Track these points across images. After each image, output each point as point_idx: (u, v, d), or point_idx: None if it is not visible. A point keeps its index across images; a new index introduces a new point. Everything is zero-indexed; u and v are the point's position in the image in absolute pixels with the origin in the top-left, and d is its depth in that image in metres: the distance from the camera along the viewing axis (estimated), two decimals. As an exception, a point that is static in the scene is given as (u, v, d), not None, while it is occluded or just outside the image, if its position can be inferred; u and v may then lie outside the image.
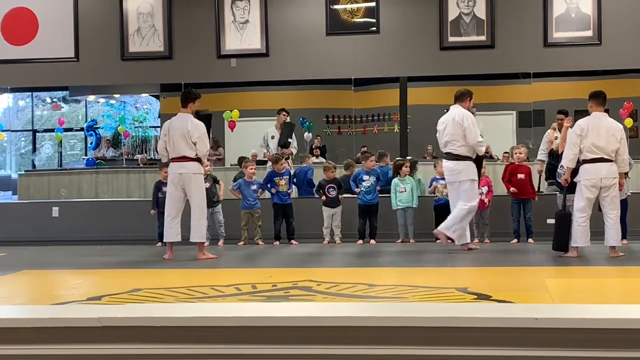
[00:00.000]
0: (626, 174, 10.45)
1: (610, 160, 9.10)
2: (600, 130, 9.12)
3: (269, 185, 11.56)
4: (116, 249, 10.99)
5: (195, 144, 9.52)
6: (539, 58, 12.18)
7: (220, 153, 14.62)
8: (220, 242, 11.27)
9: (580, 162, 9.21)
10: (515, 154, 11.35)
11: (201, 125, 9.67)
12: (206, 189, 10.16)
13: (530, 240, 10.88)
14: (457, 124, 9.88)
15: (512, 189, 11.00)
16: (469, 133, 9.85)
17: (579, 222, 9.15)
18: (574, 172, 9.32)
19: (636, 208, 10.79)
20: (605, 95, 9.38)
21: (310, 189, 12.02)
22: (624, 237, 10.22)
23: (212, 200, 11.05)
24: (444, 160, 10.13)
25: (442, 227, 9.91)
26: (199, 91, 10.06)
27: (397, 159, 12.01)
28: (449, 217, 9.91)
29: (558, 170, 10.37)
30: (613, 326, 3.17)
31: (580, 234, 9.14)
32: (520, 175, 11.07)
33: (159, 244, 11.16)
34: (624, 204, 10.40)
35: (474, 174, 9.94)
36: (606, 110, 9.40)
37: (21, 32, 13.02)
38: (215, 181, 11.51)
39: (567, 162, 9.36)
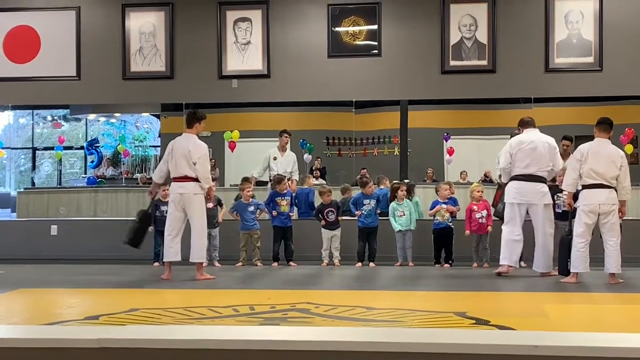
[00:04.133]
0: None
1: (610, 187, 9.10)
2: (600, 156, 9.14)
3: (270, 206, 11.56)
4: (114, 268, 10.95)
5: (195, 164, 9.52)
6: (540, 83, 12.21)
7: (216, 173, 14.59)
8: (217, 263, 11.26)
9: (579, 188, 9.24)
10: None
11: (203, 147, 9.69)
12: (208, 209, 10.16)
13: (522, 263, 10.76)
14: (551, 149, 10.01)
15: None
16: (558, 159, 10.03)
17: (577, 248, 9.14)
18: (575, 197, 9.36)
19: (636, 235, 10.77)
20: (611, 122, 9.40)
21: (311, 211, 12.01)
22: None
23: (212, 222, 11.05)
24: (520, 182, 9.92)
25: (544, 268, 9.90)
26: (203, 112, 10.08)
27: (394, 182, 11.99)
28: (544, 255, 9.89)
29: (556, 201, 10.37)
30: (613, 355, 3.16)
31: (579, 259, 9.13)
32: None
33: (156, 263, 11.17)
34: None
35: None
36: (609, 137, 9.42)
37: (23, 50, 13.06)
38: (218, 203, 11.49)
39: (566, 186, 9.42)
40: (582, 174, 9.16)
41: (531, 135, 10.07)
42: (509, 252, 9.96)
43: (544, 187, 9.95)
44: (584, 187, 9.18)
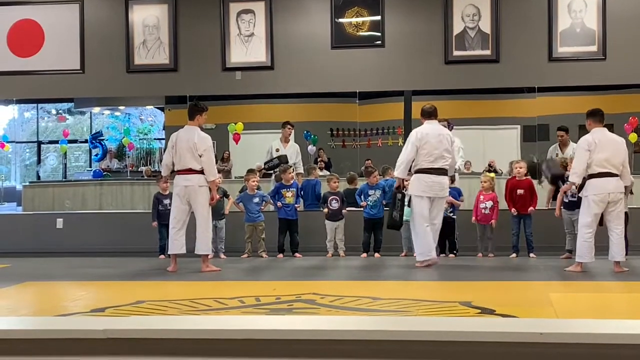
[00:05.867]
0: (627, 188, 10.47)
1: (617, 175, 9.10)
2: (609, 145, 9.15)
3: (275, 198, 11.58)
4: (120, 261, 10.97)
5: (201, 157, 9.53)
6: (544, 72, 12.19)
7: (229, 165, 14.61)
8: (222, 255, 11.29)
9: (586, 177, 9.20)
10: (515, 168, 11.36)
11: (207, 139, 9.69)
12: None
13: (532, 255, 10.86)
14: (448, 141, 9.97)
15: (513, 210, 10.99)
16: (456, 154, 10.13)
17: (585, 238, 9.12)
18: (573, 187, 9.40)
19: (638, 223, 10.76)
20: (603, 112, 9.41)
21: (317, 202, 12.03)
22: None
23: (219, 213, 11.07)
24: (430, 175, 9.87)
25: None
26: (204, 104, 10.08)
27: None
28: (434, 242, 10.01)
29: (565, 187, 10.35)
30: (618, 341, 3.17)
31: (586, 249, 9.12)
32: (520, 191, 11.06)
33: (162, 256, 11.19)
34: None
35: None
36: (607, 126, 9.45)
37: (27, 44, 13.07)
38: (224, 195, 11.48)
39: (575, 177, 9.29)
40: (590, 163, 9.14)
41: (434, 127, 10.03)
42: (427, 245, 9.95)
43: (447, 180, 10.08)
44: (592, 176, 9.14)
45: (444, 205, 10.18)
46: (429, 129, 9.98)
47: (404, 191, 10.21)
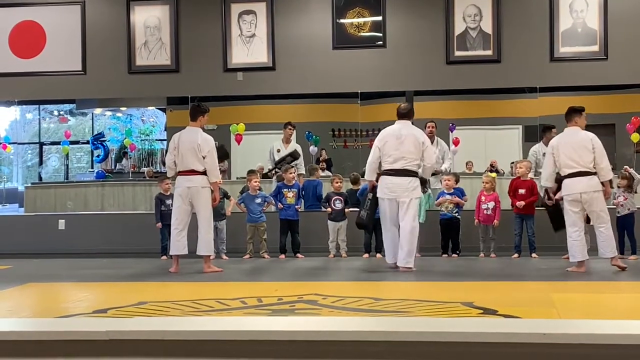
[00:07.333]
0: (630, 187, 10.47)
1: (590, 174, 9.07)
2: (573, 145, 9.17)
3: (277, 198, 11.58)
4: (122, 262, 10.97)
5: (204, 158, 9.53)
6: (545, 72, 12.20)
7: (224, 165, 14.59)
8: (224, 256, 11.28)
9: (561, 178, 9.26)
10: (517, 168, 11.38)
11: (210, 140, 9.69)
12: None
13: (534, 255, 10.86)
14: (413, 142, 9.57)
15: (517, 203, 10.97)
16: (429, 154, 9.68)
17: (573, 237, 9.13)
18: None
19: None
20: (575, 109, 9.40)
21: (318, 203, 12.03)
22: (633, 252, 10.27)
23: (219, 213, 11.06)
24: (392, 177, 9.58)
25: (402, 260, 9.50)
26: (206, 105, 10.09)
27: None
28: (406, 246, 9.46)
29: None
30: (620, 342, 3.17)
31: (577, 248, 9.13)
32: (521, 191, 11.05)
33: (164, 257, 11.19)
34: (629, 218, 10.43)
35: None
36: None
37: (29, 45, 13.09)
38: (225, 196, 11.47)
39: (544, 182, 9.53)
40: (559, 166, 9.19)
41: (399, 128, 9.72)
42: (388, 248, 9.79)
43: (414, 182, 9.60)
44: (564, 177, 9.19)
45: (414, 207, 9.61)
46: (392, 129, 9.76)
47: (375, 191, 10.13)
